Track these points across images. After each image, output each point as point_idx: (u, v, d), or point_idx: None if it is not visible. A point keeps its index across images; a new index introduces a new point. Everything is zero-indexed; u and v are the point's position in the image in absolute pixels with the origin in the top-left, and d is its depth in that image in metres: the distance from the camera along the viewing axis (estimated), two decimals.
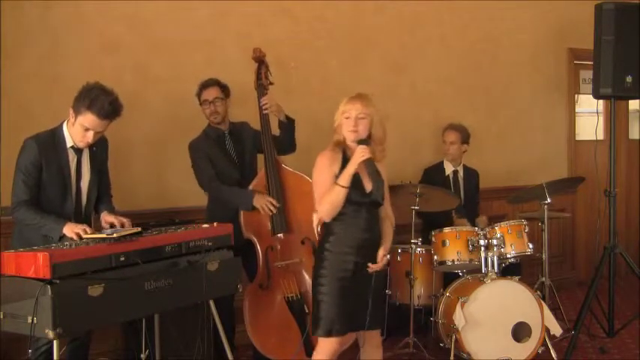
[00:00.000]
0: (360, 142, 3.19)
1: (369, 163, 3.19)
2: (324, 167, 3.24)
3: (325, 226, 3.29)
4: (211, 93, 4.19)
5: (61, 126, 3.41)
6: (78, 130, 3.33)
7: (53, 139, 3.37)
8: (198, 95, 4.23)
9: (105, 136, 3.55)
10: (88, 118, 3.28)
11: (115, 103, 3.31)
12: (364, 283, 3.24)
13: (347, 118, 3.22)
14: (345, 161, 3.23)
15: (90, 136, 3.33)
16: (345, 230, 3.22)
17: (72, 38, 4.23)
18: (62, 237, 3.23)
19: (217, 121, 4.20)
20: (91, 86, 3.31)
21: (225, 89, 4.24)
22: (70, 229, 3.21)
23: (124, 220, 3.42)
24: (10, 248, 3.10)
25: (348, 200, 3.17)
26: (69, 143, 3.39)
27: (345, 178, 3.15)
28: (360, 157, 3.14)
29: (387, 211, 3.38)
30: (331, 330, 3.19)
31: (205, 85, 4.21)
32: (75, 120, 3.31)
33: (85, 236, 3.15)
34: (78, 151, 3.42)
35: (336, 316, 3.18)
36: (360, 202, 3.21)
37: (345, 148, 3.27)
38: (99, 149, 3.54)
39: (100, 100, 3.26)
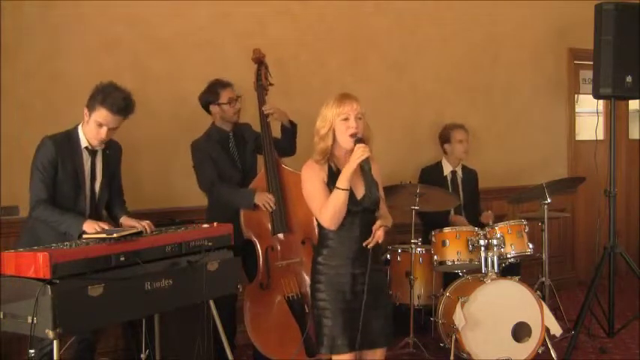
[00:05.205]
0: (357, 140, 2.95)
1: (366, 163, 2.95)
2: (313, 176, 3.03)
3: (319, 239, 3.12)
4: (234, 92, 4.18)
5: (76, 127, 3.47)
6: (92, 127, 3.38)
7: (69, 139, 3.42)
8: (218, 94, 4.16)
9: (118, 142, 3.61)
10: (102, 114, 3.33)
11: (129, 99, 3.38)
12: (360, 297, 2.99)
13: (345, 119, 2.95)
14: (331, 172, 3.02)
15: (104, 133, 3.38)
16: (340, 242, 3.02)
17: (72, 37, 4.23)
18: (82, 234, 3.23)
19: (236, 120, 4.20)
20: (104, 85, 3.38)
21: None
22: (92, 226, 3.22)
23: (145, 223, 3.42)
24: (16, 246, 3.11)
25: None
26: (83, 144, 3.44)
27: (344, 180, 2.92)
28: (361, 156, 2.90)
29: (383, 212, 3.16)
30: (333, 346, 2.98)
31: (226, 85, 4.18)
32: (89, 117, 3.36)
33: (85, 236, 3.15)
34: (92, 152, 3.47)
35: (340, 330, 2.97)
36: (354, 210, 2.98)
37: (331, 158, 3.04)
38: (112, 153, 3.58)
39: (114, 96, 3.32)
